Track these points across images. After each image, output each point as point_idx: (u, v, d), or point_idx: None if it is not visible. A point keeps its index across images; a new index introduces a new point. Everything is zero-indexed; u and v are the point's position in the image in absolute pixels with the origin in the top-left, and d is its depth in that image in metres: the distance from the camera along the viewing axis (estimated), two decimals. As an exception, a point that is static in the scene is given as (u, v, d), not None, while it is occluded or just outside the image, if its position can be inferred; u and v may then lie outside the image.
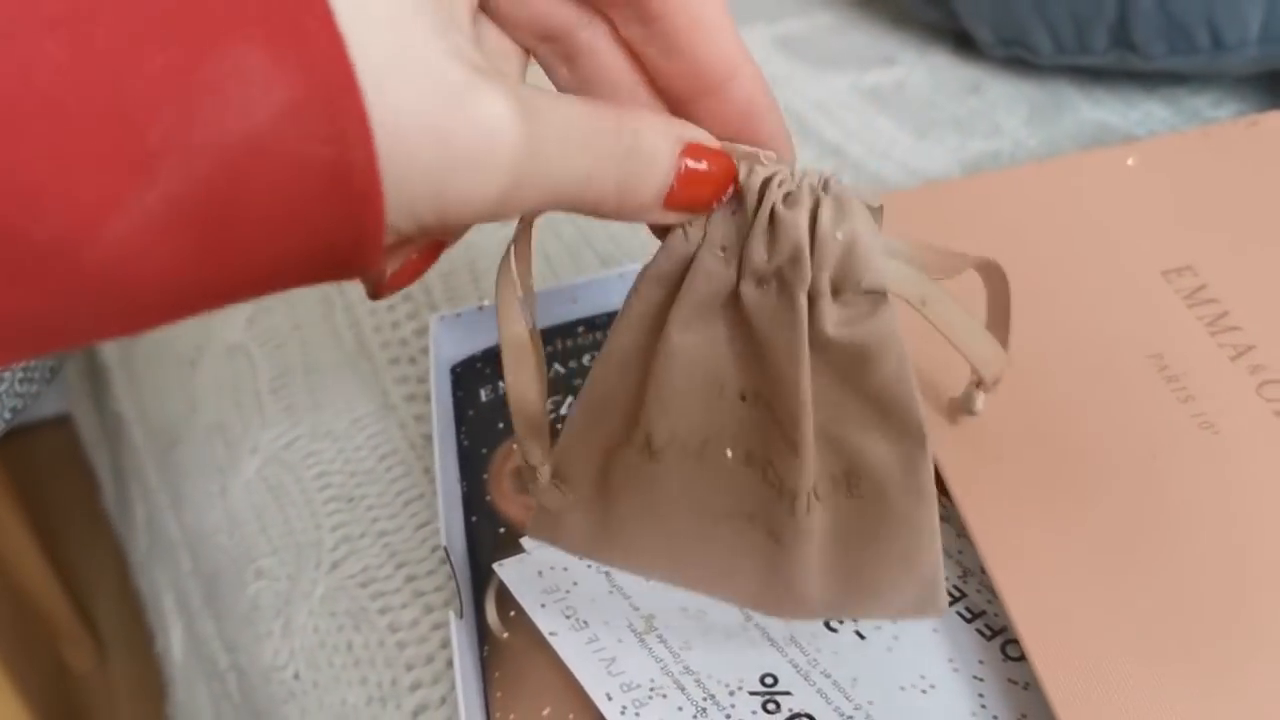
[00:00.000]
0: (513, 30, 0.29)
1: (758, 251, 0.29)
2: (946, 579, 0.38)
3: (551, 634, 0.37)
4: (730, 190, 0.29)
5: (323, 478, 0.51)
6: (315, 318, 0.58)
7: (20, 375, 0.68)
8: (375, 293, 0.28)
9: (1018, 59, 0.64)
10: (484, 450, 0.46)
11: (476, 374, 0.49)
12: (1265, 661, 0.32)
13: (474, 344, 0.50)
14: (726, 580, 0.35)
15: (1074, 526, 0.36)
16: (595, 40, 0.29)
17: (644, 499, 0.34)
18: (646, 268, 0.30)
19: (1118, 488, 0.37)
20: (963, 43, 0.68)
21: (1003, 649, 0.36)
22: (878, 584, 0.33)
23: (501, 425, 0.47)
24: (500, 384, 0.48)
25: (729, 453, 0.32)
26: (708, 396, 0.31)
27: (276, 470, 0.52)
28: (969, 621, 0.37)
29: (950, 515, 0.40)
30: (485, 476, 0.45)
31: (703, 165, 0.28)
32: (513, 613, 0.39)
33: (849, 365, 0.30)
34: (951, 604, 0.37)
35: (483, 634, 0.40)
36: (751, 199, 0.28)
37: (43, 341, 0.22)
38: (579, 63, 0.29)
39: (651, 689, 0.35)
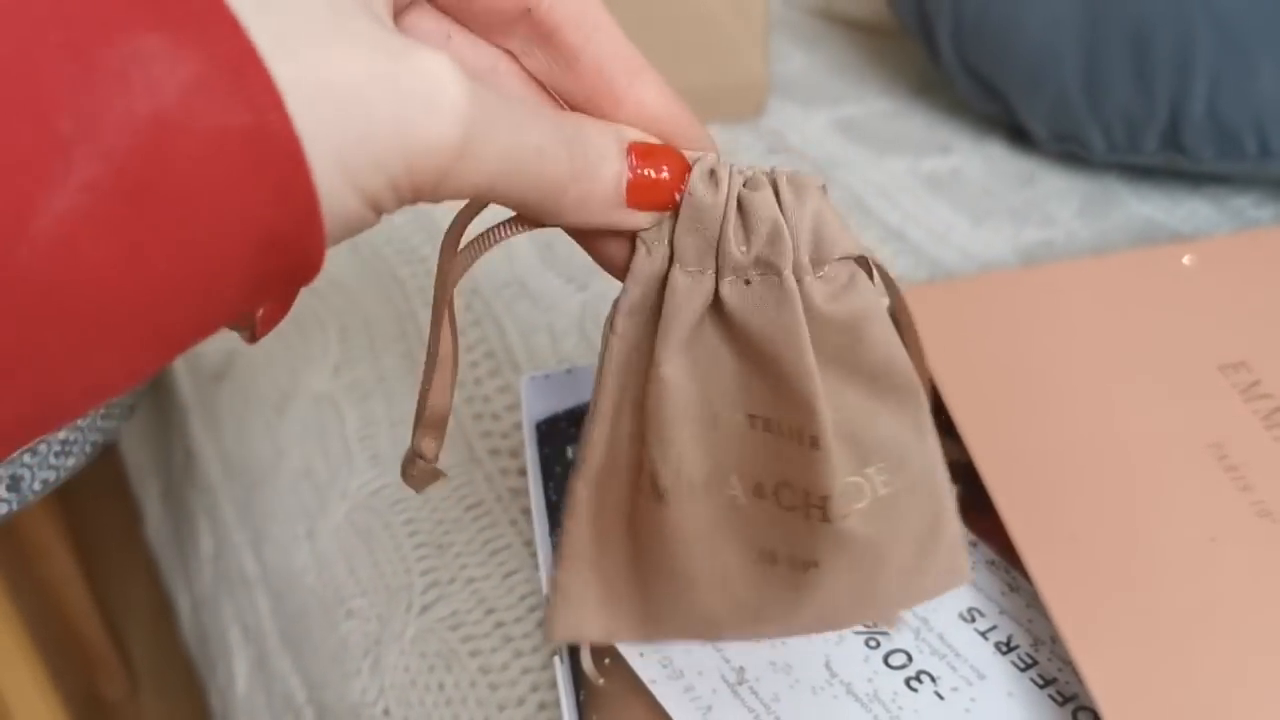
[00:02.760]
0: None
1: (734, 244, 0.29)
2: (1018, 646, 0.41)
3: (651, 682, 0.40)
4: (685, 188, 0.29)
5: (411, 524, 0.53)
6: (400, 371, 0.61)
7: (102, 411, 0.71)
8: (252, 335, 0.27)
9: (1070, 154, 0.68)
10: (572, 505, 0.49)
11: (561, 432, 0.52)
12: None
13: (559, 403, 0.53)
14: (755, 624, 0.35)
15: (1142, 603, 0.39)
16: (503, 82, 0.30)
17: (660, 551, 0.33)
18: (618, 303, 0.30)
19: (1181, 568, 0.40)
20: (1016, 135, 0.71)
21: (1074, 715, 0.39)
22: (906, 571, 0.34)
23: (588, 482, 0.49)
24: (587, 443, 0.51)
25: (737, 485, 0.32)
26: (706, 427, 0.31)
27: (365, 516, 0.55)
28: (1041, 688, 0.39)
29: (1020, 586, 0.43)
30: (574, 530, 0.48)
31: (651, 164, 0.28)
32: (607, 660, 0.42)
33: (844, 342, 0.30)
34: (1024, 670, 0.40)
35: (578, 680, 0.42)
36: (715, 192, 0.29)
37: None
38: None
39: (747, 738, 0.38)
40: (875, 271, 0.31)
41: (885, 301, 0.32)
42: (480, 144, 0.25)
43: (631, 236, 0.30)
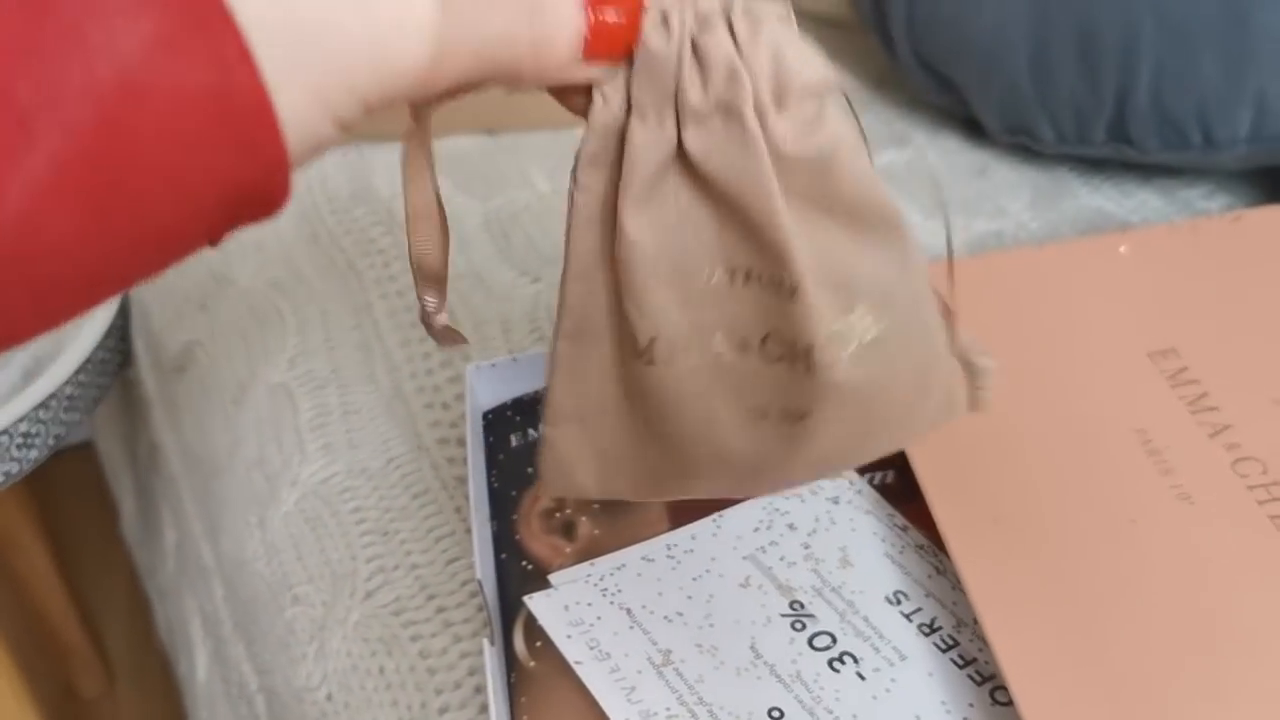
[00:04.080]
0: None
1: (692, 88, 0.28)
2: (941, 628, 0.41)
3: (577, 663, 0.40)
4: (639, 39, 0.28)
5: (358, 512, 0.54)
6: (354, 363, 0.61)
7: (65, 405, 0.71)
8: (214, 240, 0.27)
9: (1022, 146, 0.68)
10: (513, 492, 0.49)
11: (507, 421, 0.53)
12: (1225, 710, 0.36)
13: (506, 392, 0.54)
14: (754, 479, 0.34)
15: (1059, 584, 0.40)
16: None
17: (650, 413, 0.32)
18: (578, 156, 0.30)
19: (1100, 549, 0.40)
20: (971, 128, 0.72)
21: (991, 694, 0.39)
22: (902, 411, 0.32)
23: (530, 470, 0.50)
24: (530, 430, 0.52)
25: (721, 342, 0.31)
26: (681, 284, 0.30)
27: (314, 504, 0.55)
28: (961, 668, 0.40)
29: (947, 570, 0.43)
30: (514, 517, 0.48)
31: (609, 10, 0.28)
32: (538, 643, 0.43)
33: (815, 181, 0.29)
34: (945, 651, 0.41)
35: (510, 662, 0.43)
36: (667, 40, 0.28)
37: None
38: None
39: (668, 717, 0.39)
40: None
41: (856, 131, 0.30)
42: (450, 54, 0.26)
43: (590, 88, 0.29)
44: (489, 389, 0.54)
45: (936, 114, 0.74)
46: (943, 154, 0.71)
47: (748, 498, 0.35)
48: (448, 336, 0.34)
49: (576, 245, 0.30)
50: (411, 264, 0.33)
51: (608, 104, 0.29)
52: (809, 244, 0.29)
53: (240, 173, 0.23)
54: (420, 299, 0.34)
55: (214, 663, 0.64)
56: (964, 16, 0.66)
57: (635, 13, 0.28)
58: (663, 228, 0.29)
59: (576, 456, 0.34)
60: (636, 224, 0.29)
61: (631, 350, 0.31)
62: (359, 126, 0.27)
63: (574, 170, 0.30)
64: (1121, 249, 0.52)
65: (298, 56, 0.23)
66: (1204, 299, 0.50)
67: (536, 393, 0.54)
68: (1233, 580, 0.39)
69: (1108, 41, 0.60)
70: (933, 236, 0.65)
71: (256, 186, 0.24)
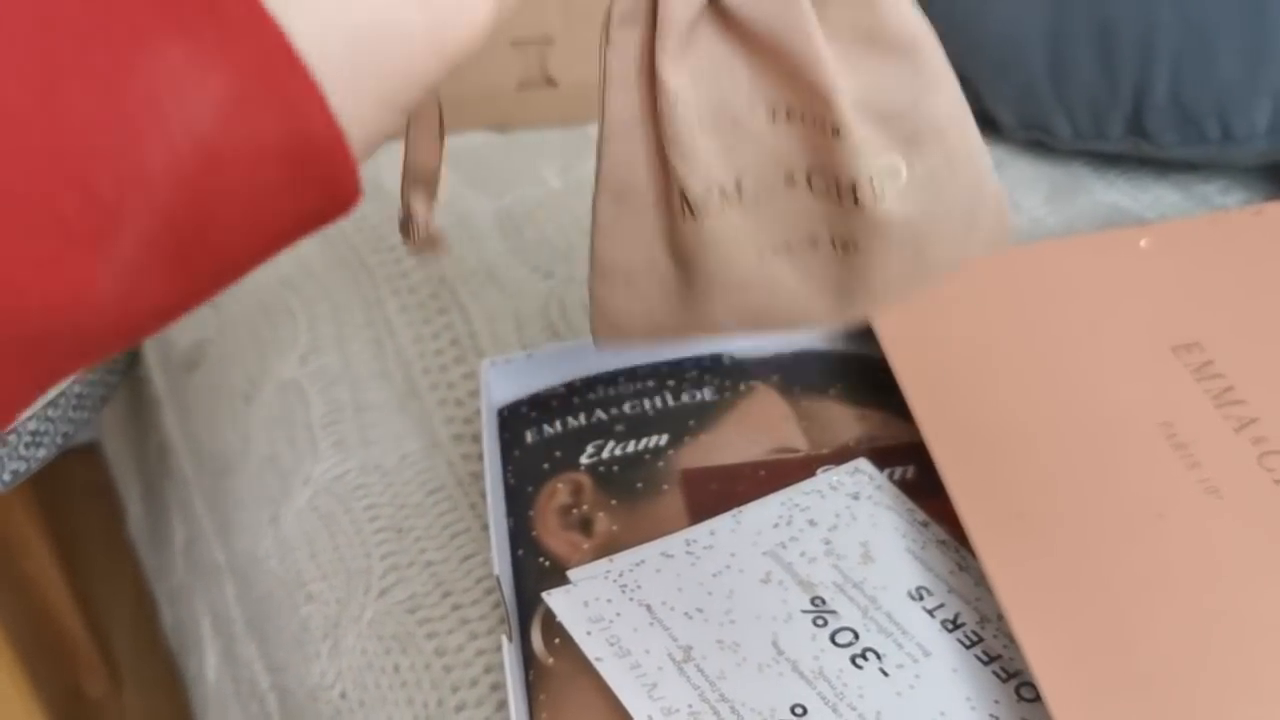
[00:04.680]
0: None
1: None
2: (964, 624, 0.41)
3: (597, 660, 0.40)
4: None
5: (372, 509, 0.53)
6: (366, 358, 0.61)
7: (74, 403, 0.71)
8: None
9: (1038, 142, 0.68)
10: (529, 489, 0.49)
11: (522, 418, 0.52)
12: (1256, 705, 0.35)
13: (521, 388, 0.53)
14: (807, 313, 0.34)
15: (1086, 578, 0.39)
16: None
17: (704, 265, 0.32)
18: (609, 14, 0.29)
19: (1127, 543, 0.40)
20: (985, 124, 0.71)
21: (1018, 690, 0.39)
22: (952, 244, 0.32)
23: (546, 466, 0.50)
24: (545, 427, 0.51)
25: (769, 180, 0.31)
26: (725, 130, 0.30)
27: (328, 501, 0.55)
28: (986, 664, 0.40)
29: (969, 565, 0.43)
30: (531, 513, 0.48)
31: None
32: (557, 640, 0.42)
33: (858, 14, 0.29)
34: (969, 647, 0.40)
35: (528, 659, 0.42)
36: None
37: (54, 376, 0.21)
38: None
39: (690, 714, 0.38)
40: None
41: None
42: (505, 6, 0.25)
43: None
44: (504, 385, 0.53)
45: (950, 110, 0.74)
46: (957, 150, 0.71)
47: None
48: (428, 244, 0.34)
49: (613, 105, 0.30)
50: (403, 168, 0.32)
51: None
52: (852, 80, 0.29)
53: (316, 206, 0.23)
54: (406, 205, 0.33)
55: (224, 662, 0.64)
56: (979, 13, 0.65)
57: None
58: (701, 77, 0.29)
59: (625, 310, 0.34)
60: (676, 76, 0.29)
61: (679, 208, 0.30)
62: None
63: (605, 28, 0.29)
64: (1142, 243, 0.52)
65: (362, 67, 0.22)
66: (1227, 293, 0.49)
67: (551, 389, 0.53)
68: (1263, 573, 0.39)
69: (1125, 37, 0.60)
70: (948, 232, 0.64)
71: (329, 212, 0.24)
